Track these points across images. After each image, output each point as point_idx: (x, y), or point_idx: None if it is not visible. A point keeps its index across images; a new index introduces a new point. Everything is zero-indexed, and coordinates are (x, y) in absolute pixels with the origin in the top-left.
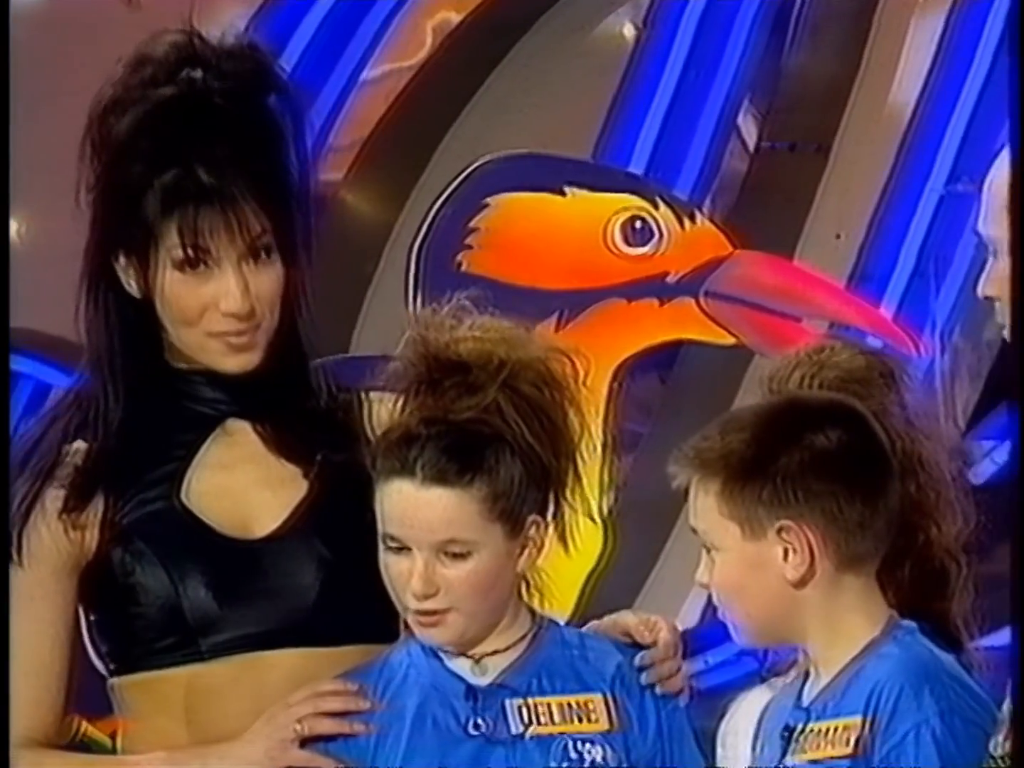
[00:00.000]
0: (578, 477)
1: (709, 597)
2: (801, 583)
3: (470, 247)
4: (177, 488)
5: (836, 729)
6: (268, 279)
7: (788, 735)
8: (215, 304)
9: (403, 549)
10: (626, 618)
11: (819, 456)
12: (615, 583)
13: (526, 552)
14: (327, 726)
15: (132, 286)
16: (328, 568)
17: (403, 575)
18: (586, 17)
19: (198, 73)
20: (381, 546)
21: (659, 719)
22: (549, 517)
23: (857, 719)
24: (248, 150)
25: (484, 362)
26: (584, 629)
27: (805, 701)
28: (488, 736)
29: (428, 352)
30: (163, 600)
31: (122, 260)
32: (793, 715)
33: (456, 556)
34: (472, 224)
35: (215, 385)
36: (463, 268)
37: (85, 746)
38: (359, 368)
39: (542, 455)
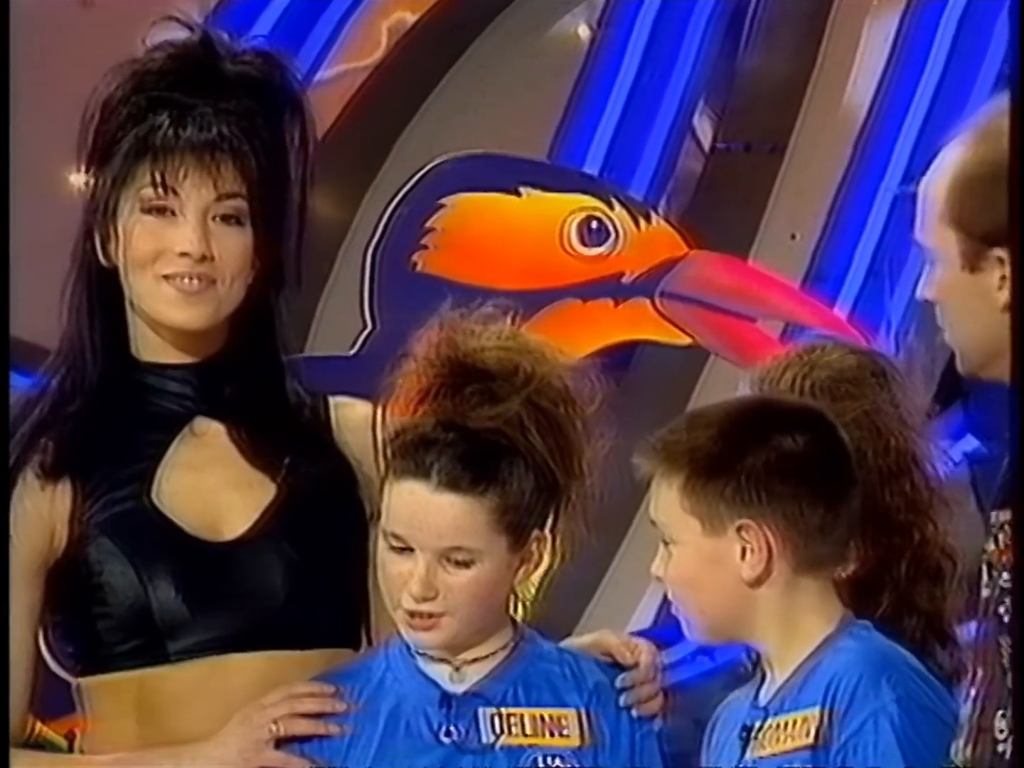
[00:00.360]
0: (581, 494)
1: (664, 598)
2: (757, 583)
3: (425, 247)
4: (147, 488)
5: (795, 722)
6: (233, 242)
7: (747, 734)
8: (172, 248)
9: (405, 549)
10: (608, 638)
11: (785, 458)
12: (570, 584)
13: (524, 566)
14: (303, 727)
15: (102, 254)
16: (296, 572)
17: (402, 575)
18: (541, 18)
19: (206, 43)
20: (382, 543)
21: (632, 740)
22: (552, 531)
23: (816, 711)
24: (244, 123)
25: (509, 374)
26: (564, 645)
27: (762, 701)
28: (459, 744)
29: (455, 356)
30: (132, 601)
31: (99, 225)
32: (750, 715)
33: (459, 563)
34: (428, 224)
35: (181, 380)
36: (418, 268)
37: (40, 746)
38: (315, 368)
39: (555, 472)
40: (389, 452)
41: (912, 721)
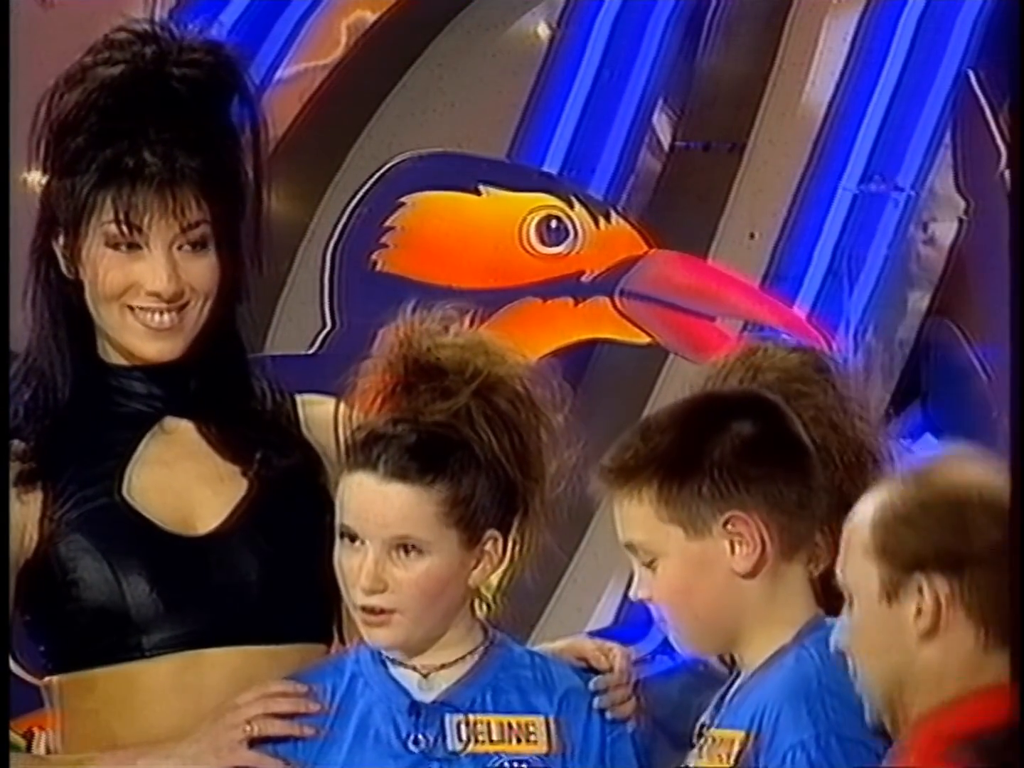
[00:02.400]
0: (544, 502)
1: (624, 596)
2: (752, 573)
3: (385, 246)
4: (119, 484)
5: (722, 741)
6: (200, 269)
7: (699, 733)
8: (141, 283)
9: (357, 542)
10: (583, 643)
11: (749, 442)
12: (529, 584)
13: (480, 566)
14: (277, 728)
15: (67, 268)
16: (269, 566)
17: (354, 569)
18: (501, 16)
19: (156, 55)
20: (337, 539)
21: (603, 744)
22: (511, 535)
23: (740, 733)
24: (200, 139)
25: (460, 369)
26: (538, 650)
27: (725, 701)
28: (426, 752)
29: (409, 354)
30: (106, 596)
31: (60, 239)
32: (710, 713)
33: (407, 555)
34: (387, 223)
35: (149, 381)
36: (378, 267)
37: None
38: (275, 366)
39: (508, 471)
40: (345, 449)
41: (829, 755)
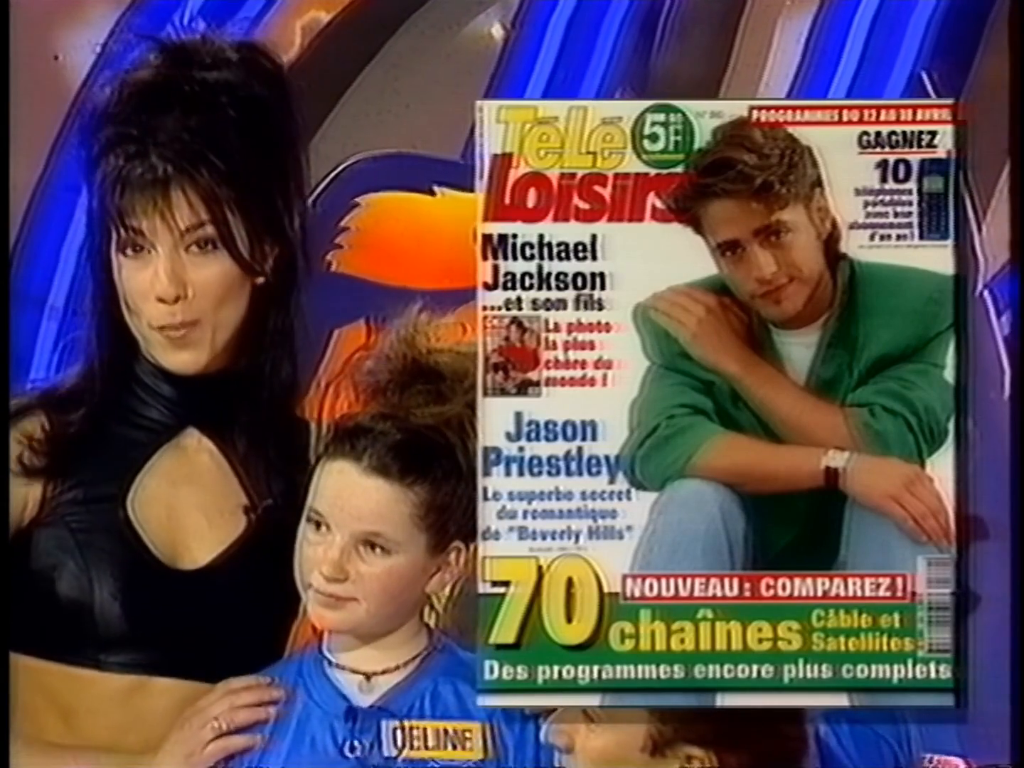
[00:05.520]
0: None
1: None
2: None
3: (340, 247)
4: (124, 495)
5: None
6: (209, 272)
7: None
8: (149, 295)
9: (324, 529)
10: None
11: None
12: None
13: (440, 574)
14: (242, 717)
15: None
16: (244, 610)
17: (317, 555)
18: (455, 17)
19: (181, 59)
20: (304, 521)
21: (537, 751)
22: (472, 548)
23: None
24: (213, 139)
25: (459, 377)
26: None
27: None
28: (362, 759)
29: (410, 354)
30: (77, 606)
31: (102, 246)
32: None
33: (374, 551)
34: (342, 224)
35: (177, 386)
36: (333, 268)
37: None
38: None
39: None
40: (326, 439)
41: None
